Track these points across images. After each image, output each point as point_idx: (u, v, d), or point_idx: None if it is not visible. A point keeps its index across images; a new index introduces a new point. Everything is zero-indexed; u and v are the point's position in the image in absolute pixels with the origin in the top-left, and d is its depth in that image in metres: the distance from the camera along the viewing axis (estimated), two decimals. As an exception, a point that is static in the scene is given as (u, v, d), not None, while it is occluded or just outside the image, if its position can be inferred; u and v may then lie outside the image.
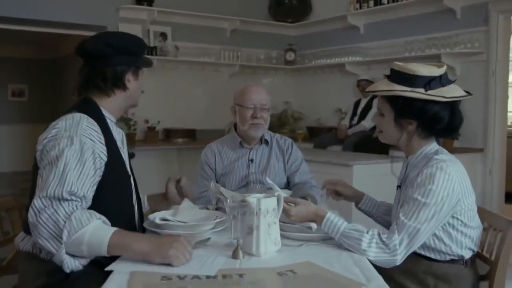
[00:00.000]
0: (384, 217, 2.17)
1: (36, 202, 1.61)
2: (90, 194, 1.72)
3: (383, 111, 1.92)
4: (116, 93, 1.94)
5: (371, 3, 6.11)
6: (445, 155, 1.84)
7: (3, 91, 10.04)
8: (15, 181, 9.00)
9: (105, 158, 1.80)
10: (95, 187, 1.75)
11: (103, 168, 1.79)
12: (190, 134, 6.34)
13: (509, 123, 6.48)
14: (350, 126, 6.02)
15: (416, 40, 5.69)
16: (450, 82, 1.85)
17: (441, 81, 1.81)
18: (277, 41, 7.24)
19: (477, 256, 1.96)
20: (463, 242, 1.84)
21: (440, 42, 5.43)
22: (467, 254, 1.87)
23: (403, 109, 1.84)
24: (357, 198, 2.24)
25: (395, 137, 1.92)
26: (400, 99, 1.83)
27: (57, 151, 1.69)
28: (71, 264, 1.60)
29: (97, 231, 1.59)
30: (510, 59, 5.40)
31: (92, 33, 6.20)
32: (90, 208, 1.71)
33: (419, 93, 1.79)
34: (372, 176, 4.07)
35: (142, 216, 2.11)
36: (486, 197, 5.10)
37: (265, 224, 1.66)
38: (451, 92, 1.82)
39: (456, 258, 1.85)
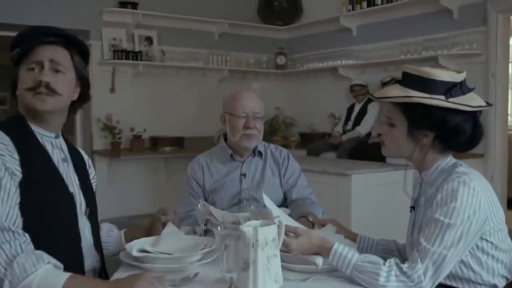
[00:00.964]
0: (384, 256, 1.91)
1: None
2: (18, 218, 1.46)
3: (394, 121, 1.66)
4: (19, 105, 1.67)
5: (364, 4, 5.97)
6: (465, 168, 1.62)
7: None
8: None
9: (19, 175, 1.50)
10: (20, 215, 1.48)
11: (17, 186, 1.50)
12: (178, 142, 6.17)
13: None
14: (344, 132, 5.91)
15: (412, 42, 5.55)
16: (469, 89, 1.63)
17: (462, 88, 1.60)
18: (267, 44, 7.10)
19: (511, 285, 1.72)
20: (495, 269, 1.60)
21: (437, 44, 5.31)
22: (501, 283, 1.63)
23: (420, 119, 1.60)
24: (349, 239, 1.94)
25: (407, 152, 1.67)
26: (418, 107, 1.59)
27: None
28: None
29: (46, 280, 1.33)
30: (510, 60, 5.24)
31: None
32: None
33: (441, 100, 1.56)
34: (372, 186, 3.95)
35: (102, 255, 1.82)
36: (488, 204, 4.92)
37: (264, 258, 1.41)
38: (473, 101, 1.60)
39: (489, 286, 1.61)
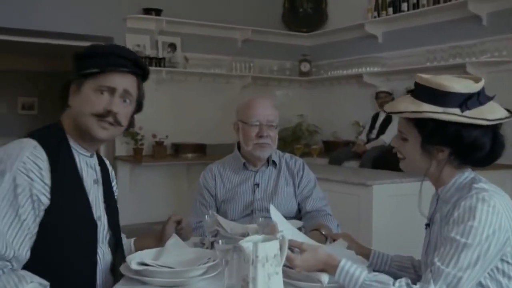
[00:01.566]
0: (398, 274, 1.80)
1: None
2: (25, 249, 1.39)
3: (407, 135, 1.56)
4: (68, 112, 1.59)
5: (390, 10, 5.88)
6: (485, 184, 1.49)
7: (13, 104, 9.99)
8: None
9: (46, 202, 1.44)
10: (33, 239, 1.42)
11: (42, 213, 1.44)
12: (200, 149, 6.14)
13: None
14: (368, 141, 5.82)
15: (439, 49, 5.42)
16: (489, 99, 1.51)
17: (479, 98, 1.48)
18: (291, 51, 7.04)
19: None
20: None
21: (465, 51, 5.17)
22: None
23: (433, 134, 1.50)
24: (362, 255, 1.85)
25: (422, 167, 1.57)
26: (430, 123, 1.48)
27: None
28: None
29: None
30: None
31: None
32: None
33: (454, 115, 1.45)
34: (394, 197, 3.81)
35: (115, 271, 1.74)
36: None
37: (264, 276, 1.33)
38: (492, 112, 1.48)
39: None
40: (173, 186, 6.16)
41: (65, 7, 5.54)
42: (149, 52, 6.01)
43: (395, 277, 1.75)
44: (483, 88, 1.51)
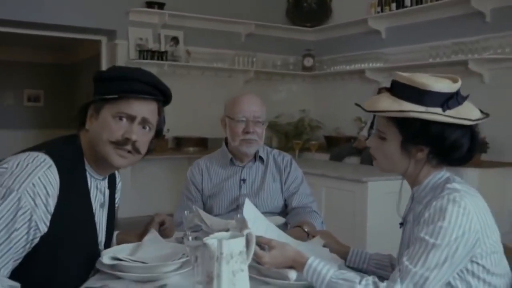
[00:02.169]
0: (377, 272, 1.79)
1: None
2: (5, 272, 1.34)
3: (386, 135, 1.53)
4: (84, 134, 1.54)
5: (393, 6, 5.86)
6: (458, 184, 1.47)
7: (19, 96, 10.06)
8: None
9: (43, 230, 1.39)
10: (18, 262, 1.38)
11: (36, 240, 1.39)
12: (201, 143, 6.18)
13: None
14: (369, 136, 5.69)
15: (442, 45, 5.39)
16: (464, 98, 1.48)
17: (458, 98, 1.45)
18: (294, 46, 7.02)
19: None
20: None
21: (468, 47, 5.13)
22: None
23: (416, 134, 1.47)
24: (341, 253, 1.83)
25: (401, 167, 1.54)
26: (414, 122, 1.45)
27: None
28: None
29: None
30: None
31: (102, 37, 6.09)
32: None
33: (439, 114, 1.43)
34: (389, 194, 3.70)
35: None
36: (517, 216, 4.69)
37: (229, 272, 1.32)
38: (470, 111, 1.46)
39: None
40: (174, 180, 6.16)
41: (69, 0, 5.56)
42: (152, 45, 6.03)
43: (376, 274, 1.72)
44: (459, 88, 1.49)
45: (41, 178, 1.37)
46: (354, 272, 1.46)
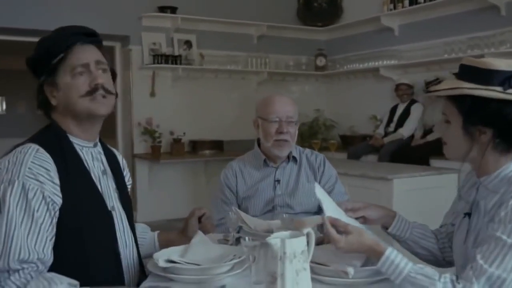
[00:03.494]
0: (419, 241, 1.77)
1: None
2: (48, 251, 1.40)
3: (449, 117, 1.52)
4: (55, 114, 1.58)
5: (406, 2, 5.84)
6: None
7: (33, 105, 10.03)
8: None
9: (59, 201, 1.44)
10: (53, 240, 1.43)
11: (57, 213, 1.45)
12: (217, 146, 6.18)
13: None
14: (386, 134, 5.80)
15: (457, 40, 5.38)
16: None
17: None
18: (306, 46, 7.05)
19: None
20: None
21: (483, 42, 5.11)
22: None
23: (473, 112, 1.46)
24: (388, 216, 1.81)
25: (463, 151, 1.51)
26: (468, 99, 1.45)
27: None
28: None
29: None
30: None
31: (115, 43, 6.06)
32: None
33: (494, 91, 1.41)
34: (415, 191, 3.83)
35: (140, 261, 1.77)
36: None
37: (292, 272, 1.33)
38: None
39: None
40: (191, 183, 6.21)
41: (82, 6, 5.58)
42: (165, 49, 6.05)
43: (418, 244, 1.76)
44: None
45: (34, 161, 1.42)
46: (433, 268, 1.41)
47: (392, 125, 5.77)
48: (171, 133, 5.92)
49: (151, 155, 5.83)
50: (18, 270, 1.33)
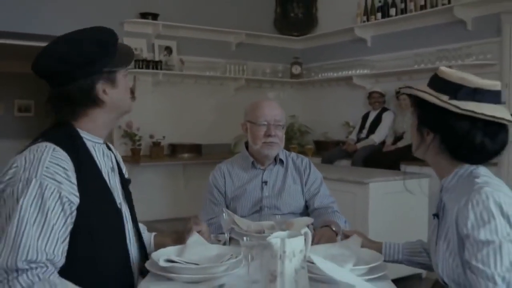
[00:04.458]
0: (412, 259, 1.90)
1: None
2: (59, 252, 1.39)
3: (412, 116, 1.68)
4: (93, 110, 1.60)
5: (379, 15, 6.02)
6: (485, 177, 1.52)
7: (10, 107, 9.97)
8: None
9: (76, 201, 1.46)
10: (67, 241, 1.43)
11: (74, 213, 1.46)
12: (195, 149, 6.25)
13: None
14: (358, 140, 5.94)
15: (426, 52, 5.57)
16: (491, 100, 1.51)
17: (475, 94, 1.49)
18: (283, 54, 7.17)
19: None
20: None
21: (451, 54, 5.32)
22: None
23: (423, 115, 1.60)
24: (374, 248, 1.88)
25: (414, 144, 1.67)
26: (424, 103, 1.57)
27: (13, 201, 1.36)
28: None
29: None
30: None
31: None
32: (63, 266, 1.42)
33: (437, 98, 1.52)
34: (389, 194, 3.96)
35: (146, 257, 1.79)
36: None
37: (291, 270, 1.40)
38: (489, 111, 1.47)
39: None
40: (170, 185, 6.26)
41: (63, 11, 5.59)
42: (146, 55, 6.10)
43: (410, 262, 1.87)
44: (490, 91, 1.51)
45: (51, 160, 1.43)
46: None
47: (364, 132, 5.91)
48: (151, 136, 5.96)
49: (131, 157, 5.86)
50: (26, 270, 1.31)
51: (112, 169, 1.69)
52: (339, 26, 6.51)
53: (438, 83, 1.56)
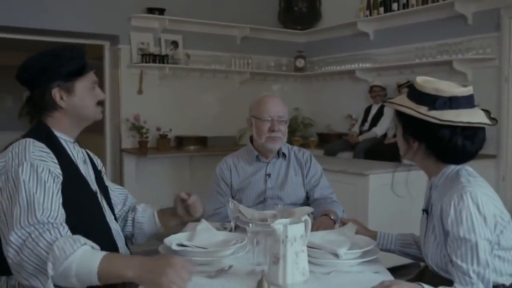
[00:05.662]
0: (403, 250, 2.03)
1: (13, 237, 1.47)
2: (62, 212, 1.60)
3: (397, 125, 1.79)
4: (54, 114, 1.82)
5: (381, 9, 6.09)
6: (469, 176, 1.65)
7: (18, 99, 10.05)
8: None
9: (61, 176, 1.68)
10: (62, 207, 1.63)
11: (60, 187, 1.67)
12: (201, 142, 6.34)
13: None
14: (361, 133, 6.01)
15: (427, 46, 5.64)
16: (466, 105, 1.63)
17: (451, 103, 1.61)
18: (287, 48, 7.24)
19: None
20: (502, 269, 1.63)
21: (452, 48, 5.39)
22: (508, 281, 1.65)
23: (406, 126, 1.72)
24: (369, 236, 1.99)
25: (403, 151, 1.78)
26: (400, 114, 1.71)
27: (12, 183, 1.57)
28: None
29: (84, 260, 1.44)
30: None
31: (105, 42, 6.14)
32: None
33: (411, 109, 1.64)
34: (388, 185, 3.92)
35: (124, 236, 2.03)
36: (500, 204, 5.03)
37: (293, 253, 1.54)
38: (464, 117, 1.60)
39: (495, 286, 1.63)
40: (176, 177, 6.36)
41: (72, 6, 5.69)
42: (153, 49, 6.19)
43: (402, 253, 1.99)
44: (463, 97, 1.63)
45: (34, 148, 1.67)
46: None
47: (367, 124, 6.00)
48: (158, 129, 6.05)
49: (138, 150, 5.96)
50: (45, 226, 1.48)
51: (84, 161, 1.92)
52: (342, 20, 6.58)
53: (416, 95, 1.67)
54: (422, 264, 1.92)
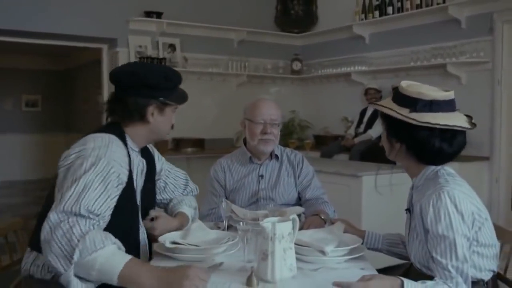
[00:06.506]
0: (390, 249, 2.08)
1: (52, 216, 1.55)
2: (107, 215, 1.67)
3: (381, 124, 1.86)
4: (137, 123, 1.92)
5: (377, 13, 6.14)
6: (448, 176, 1.72)
7: (17, 102, 10.17)
8: (28, 189, 9.11)
9: (124, 185, 1.79)
10: (111, 211, 1.71)
11: (119, 193, 1.76)
12: (199, 144, 6.37)
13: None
14: (356, 135, 6.05)
15: (422, 49, 5.70)
16: (447, 109, 1.68)
17: (432, 106, 1.67)
18: (283, 51, 7.30)
19: (498, 277, 1.86)
20: (481, 264, 1.71)
21: (446, 52, 5.45)
22: (487, 276, 1.74)
23: (388, 126, 1.79)
24: (357, 235, 2.04)
25: (387, 151, 1.85)
26: (386, 115, 1.76)
27: (82, 169, 1.65)
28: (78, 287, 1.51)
29: (111, 258, 1.50)
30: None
31: (103, 45, 6.20)
32: None
33: (393, 110, 1.71)
34: (381, 187, 4.05)
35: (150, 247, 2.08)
36: (493, 205, 5.10)
37: (280, 250, 1.60)
38: (442, 120, 1.66)
39: (475, 281, 1.71)
40: (174, 179, 6.39)
41: (70, 10, 5.74)
42: (151, 52, 6.23)
43: (389, 252, 2.05)
44: (444, 100, 1.68)
45: (116, 148, 1.78)
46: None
47: (362, 127, 6.03)
48: (156, 131, 6.10)
49: (136, 152, 6.01)
50: (85, 218, 1.56)
51: (142, 171, 2.01)
52: (338, 23, 6.63)
53: (400, 98, 1.74)
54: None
